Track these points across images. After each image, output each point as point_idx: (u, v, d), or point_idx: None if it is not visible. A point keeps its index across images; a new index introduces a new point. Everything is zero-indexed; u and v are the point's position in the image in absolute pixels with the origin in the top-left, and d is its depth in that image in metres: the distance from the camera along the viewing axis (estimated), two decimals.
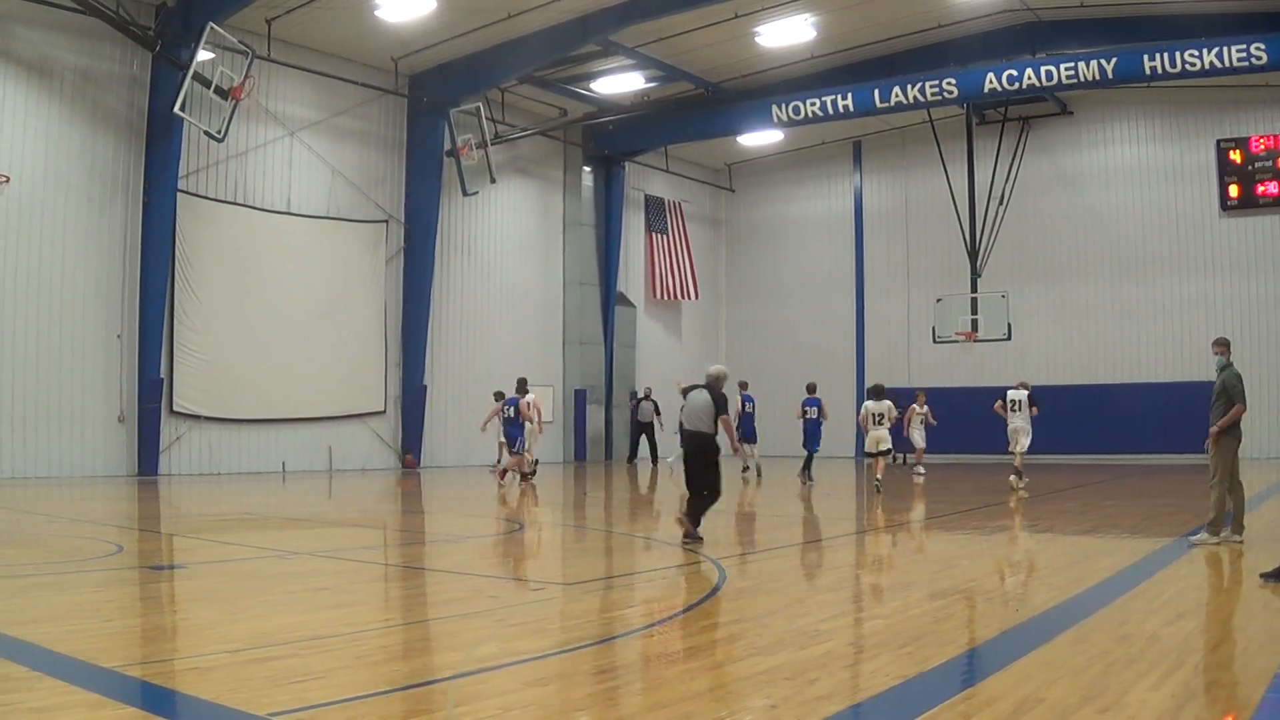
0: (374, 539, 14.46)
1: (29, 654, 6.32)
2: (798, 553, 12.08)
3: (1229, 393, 11.75)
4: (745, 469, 26.91)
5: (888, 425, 21.59)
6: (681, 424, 13.16)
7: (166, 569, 10.69)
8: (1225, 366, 12.04)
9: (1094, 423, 31.04)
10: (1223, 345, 12.26)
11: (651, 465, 32.02)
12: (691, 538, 12.12)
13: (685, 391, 13.00)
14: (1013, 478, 21.30)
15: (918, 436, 26.96)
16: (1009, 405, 21.89)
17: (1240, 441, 11.90)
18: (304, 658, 6.43)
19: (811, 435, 24.85)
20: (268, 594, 9.01)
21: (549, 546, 14.13)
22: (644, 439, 33.32)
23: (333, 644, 6.85)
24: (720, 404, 12.43)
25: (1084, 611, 7.99)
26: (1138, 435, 30.66)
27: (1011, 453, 21.68)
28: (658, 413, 33.05)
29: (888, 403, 21.87)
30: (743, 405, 26.68)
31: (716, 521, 16.99)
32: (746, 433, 26.45)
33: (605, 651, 6.90)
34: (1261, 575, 9.18)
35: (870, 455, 21.69)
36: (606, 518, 17.42)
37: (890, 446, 22.37)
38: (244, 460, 26.71)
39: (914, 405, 26.42)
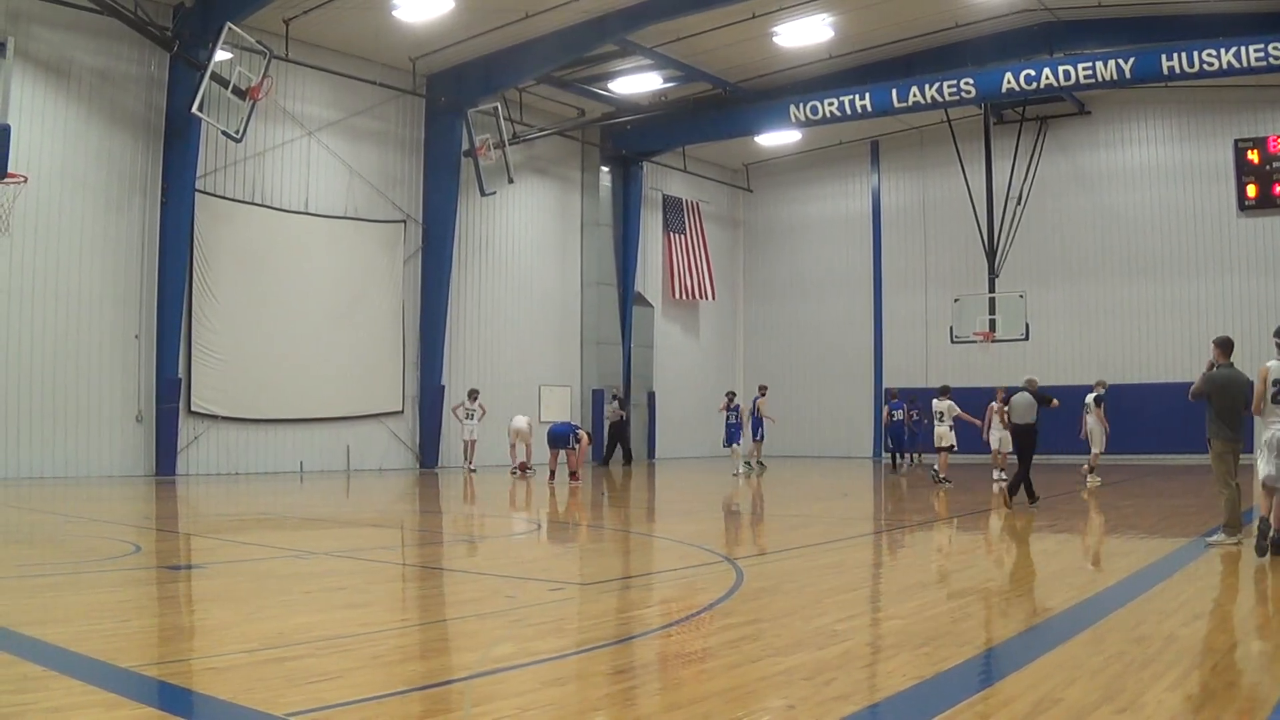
0: (391, 539, 14.47)
1: (46, 653, 6.34)
2: (815, 553, 12.05)
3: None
4: (750, 467, 28.26)
5: (949, 423, 22.96)
6: (1010, 419, 18.08)
7: (184, 569, 10.72)
8: (1218, 367, 12.05)
9: (1112, 423, 30.76)
10: (1216, 347, 12.23)
11: (624, 465, 31.94)
12: (1034, 502, 17.10)
13: (1006, 398, 18.65)
14: (1091, 475, 22.61)
15: (995, 438, 23.38)
16: (1085, 407, 23.15)
17: (1231, 442, 11.82)
18: (321, 658, 6.44)
19: (897, 436, 29.21)
20: (285, 594, 9.02)
21: (566, 546, 14.14)
22: (612, 439, 32.72)
23: (349, 644, 6.86)
24: (1041, 400, 17.56)
25: (1101, 612, 7.96)
26: (1156, 435, 30.52)
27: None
28: (623, 408, 32.81)
29: (949, 401, 23.19)
30: (749, 407, 27.26)
31: (735, 521, 16.99)
32: (737, 434, 27.19)
33: (622, 652, 6.89)
34: None
35: (935, 450, 23.17)
36: (623, 518, 17.40)
37: (953, 443, 23.19)
38: (261, 460, 26.79)
39: (992, 404, 23.26)
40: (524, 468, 26.16)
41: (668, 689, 5.97)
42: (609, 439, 32.64)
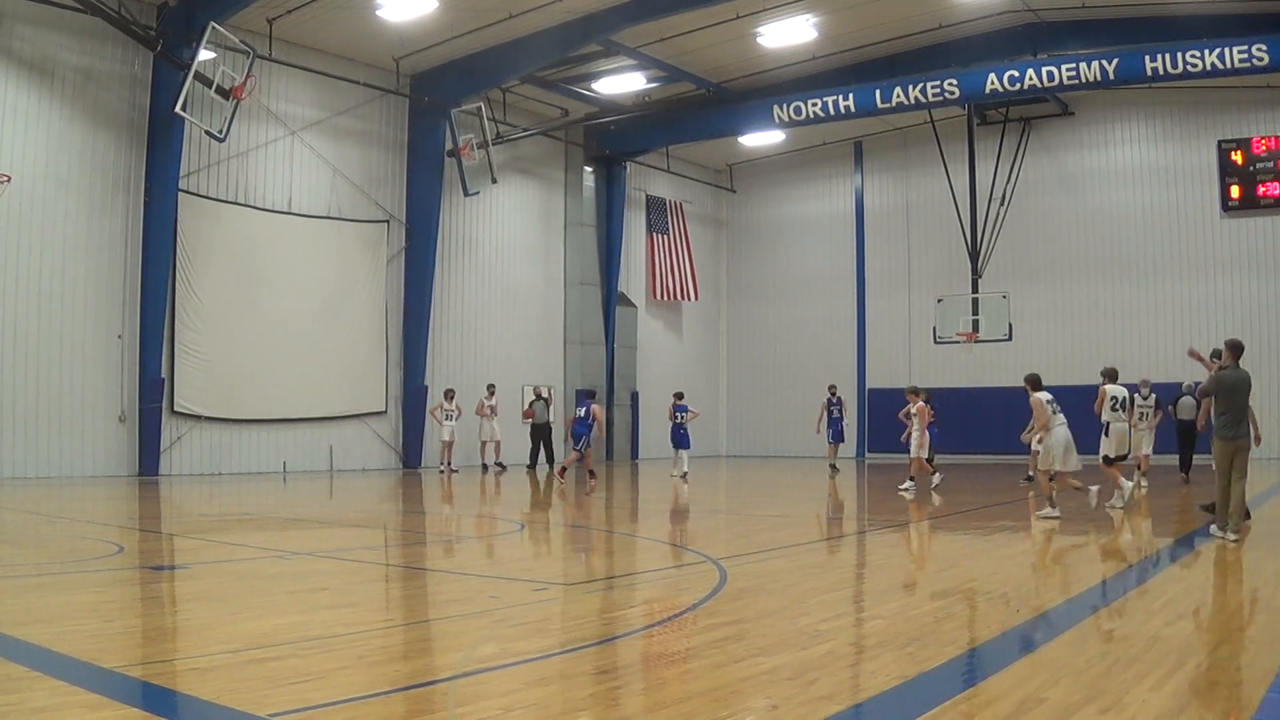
0: (374, 539, 14.45)
1: (29, 654, 6.32)
2: (798, 553, 12.07)
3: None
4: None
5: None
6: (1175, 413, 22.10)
7: (167, 569, 10.68)
8: (1224, 368, 12.23)
9: (1095, 423, 30.89)
10: (1227, 349, 12.40)
11: (549, 470, 29.51)
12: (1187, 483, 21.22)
13: (1175, 401, 22.46)
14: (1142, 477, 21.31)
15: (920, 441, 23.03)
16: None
17: (1230, 441, 11.91)
18: (304, 658, 6.43)
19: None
20: (268, 594, 9.00)
21: (550, 546, 14.13)
22: (540, 444, 30.46)
23: (333, 644, 6.85)
24: (1199, 402, 18.70)
25: (1085, 612, 7.99)
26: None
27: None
28: (548, 405, 31.92)
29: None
30: (675, 414, 25.65)
31: (716, 522, 17.01)
32: (679, 439, 25.80)
33: (606, 652, 6.90)
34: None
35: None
36: (607, 518, 17.40)
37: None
38: (245, 460, 26.70)
39: (914, 406, 22.85)
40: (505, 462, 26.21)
41: (651, 689, 5.97)
42: (532, 441, 30.57)
